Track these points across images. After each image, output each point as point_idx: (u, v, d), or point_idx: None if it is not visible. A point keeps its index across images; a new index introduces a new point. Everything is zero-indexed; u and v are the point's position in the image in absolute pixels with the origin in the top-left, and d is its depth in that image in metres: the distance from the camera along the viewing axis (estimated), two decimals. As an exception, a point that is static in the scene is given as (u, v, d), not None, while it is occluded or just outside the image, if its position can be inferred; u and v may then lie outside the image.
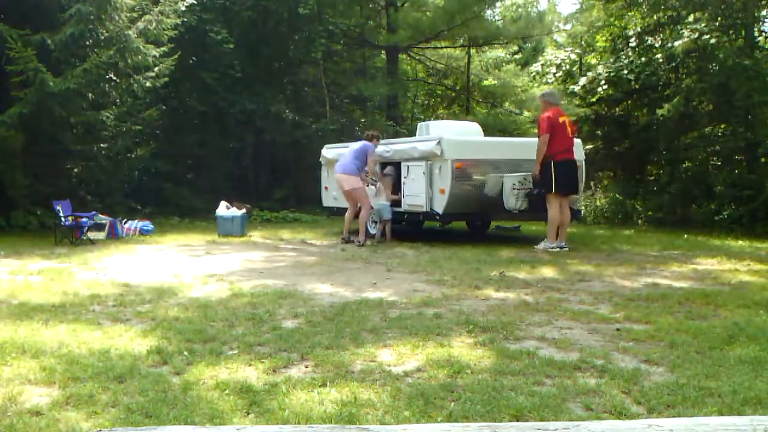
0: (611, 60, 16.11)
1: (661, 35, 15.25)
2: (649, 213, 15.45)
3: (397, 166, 10.58)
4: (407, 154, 10.21)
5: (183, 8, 14.74)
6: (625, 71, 15.32)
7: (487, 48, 23.08)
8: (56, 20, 11.92)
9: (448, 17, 18.33)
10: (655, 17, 15.10)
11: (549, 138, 8.76)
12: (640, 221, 15.28)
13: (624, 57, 15.66)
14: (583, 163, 10.57)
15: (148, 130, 15.92)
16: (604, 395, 3.36)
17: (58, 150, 13.43)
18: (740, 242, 10.59)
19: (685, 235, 11.47)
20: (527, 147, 10.72)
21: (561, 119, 8.95)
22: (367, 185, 10.40)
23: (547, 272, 7.32)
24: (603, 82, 15.65)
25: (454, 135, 10.17)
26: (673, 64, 14.85)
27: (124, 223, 11.87)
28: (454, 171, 9.48)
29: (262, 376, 3.69)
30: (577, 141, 11.00)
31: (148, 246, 10.20)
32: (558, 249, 8.91)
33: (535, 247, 9.14)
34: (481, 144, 10.14)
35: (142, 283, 6.67)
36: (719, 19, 13.19)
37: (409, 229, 11.61)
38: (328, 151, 12.23)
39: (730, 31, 13.66)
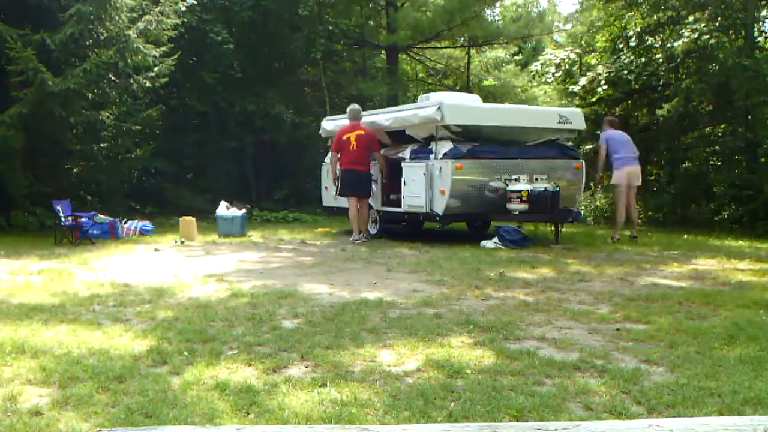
0: (611, 60, 16.09)
1: (661, 35, 15.23)
2: (649, 213, 15.43)
3: (396, 166, 10.57)
4: (408, 122, 10.21)
5: (183, 8, 14.73)
6: (625, 71, 15.30)
7: (487, 48, 23.05)
8: (56, 20, 11.91)
9: (448, 17, 18.31)
10: (655, 17, 15.08)
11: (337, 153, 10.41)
12: (640, 221, 15.26)
13: (624, 57, 15.64)
14: (583, 163, 10.58)
15: (148, 130, 15.89)
16: (604, 395, 3.36)
17: (58, 150, 13.41)
18: (740, 242, 10.59)
19: (685, 235, 11.47)
20: (528, 114, 10.77)
21: (345, 136, 10.23)
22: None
23: (547, 272, 7.31)
24: (603, 82, 15.62)
25: (455, 101, 10.24)
26: (673, 65, 14.82)
27: (124, 223, 11.86)
28: (455, 172, 9.48)
29: (262, 376, 3.69)
30: None
31: (148, 246, 10.19)
32: (361, 241, 10.23)
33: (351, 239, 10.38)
34: (481, 110, 10.15)
35: (142, 283, 6.67)
36: (719, 19, 13.18)
37: (409, 229, 11.60)
38: (327, 123, 12.30)
39: (730, 31, 13.65)
